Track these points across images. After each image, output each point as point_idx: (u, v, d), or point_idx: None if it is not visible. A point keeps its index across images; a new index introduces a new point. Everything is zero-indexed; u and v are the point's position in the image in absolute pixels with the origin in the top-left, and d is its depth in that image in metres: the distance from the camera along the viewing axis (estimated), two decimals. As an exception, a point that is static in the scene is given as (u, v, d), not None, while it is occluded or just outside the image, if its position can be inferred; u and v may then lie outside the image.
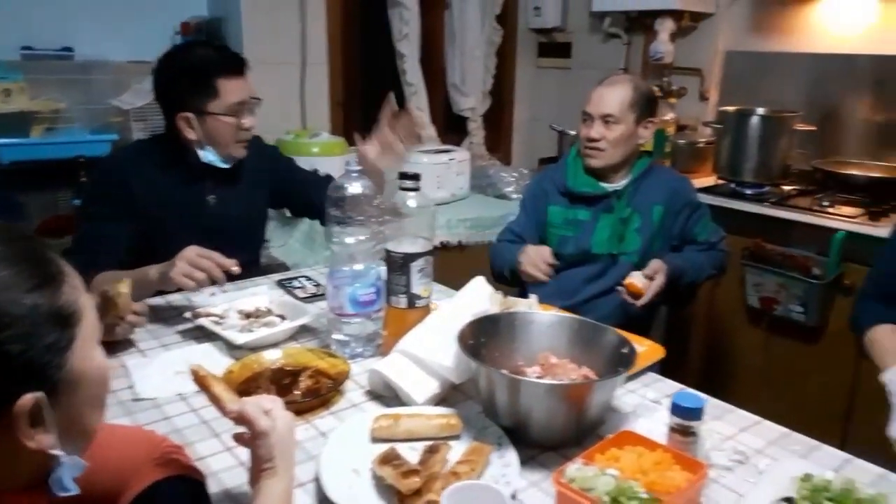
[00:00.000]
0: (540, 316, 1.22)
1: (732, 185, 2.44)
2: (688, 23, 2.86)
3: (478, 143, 3.34)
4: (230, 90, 1.58)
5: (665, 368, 2.09)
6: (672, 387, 1.28)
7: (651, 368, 1.34)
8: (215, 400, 0.85)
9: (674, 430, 0.98)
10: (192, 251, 1.37)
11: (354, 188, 1.25)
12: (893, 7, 2.36)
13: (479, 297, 1.24)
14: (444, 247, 2.66)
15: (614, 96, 1.82)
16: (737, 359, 2.38)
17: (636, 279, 1.68)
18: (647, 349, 1.39)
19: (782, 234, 2.20)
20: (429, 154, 2.84)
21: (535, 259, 1.80)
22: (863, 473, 1.02)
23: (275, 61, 2.70)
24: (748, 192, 2.39)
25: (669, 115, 2.79)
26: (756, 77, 2.71)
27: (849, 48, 2.47)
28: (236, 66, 1.60)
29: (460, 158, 2.88)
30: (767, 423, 1.16)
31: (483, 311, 1.21)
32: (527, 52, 3.52)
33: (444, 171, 2.82)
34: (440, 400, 1.16)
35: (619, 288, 1.71)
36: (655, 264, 1.70)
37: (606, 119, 1.81)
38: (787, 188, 2.42)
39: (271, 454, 0.80)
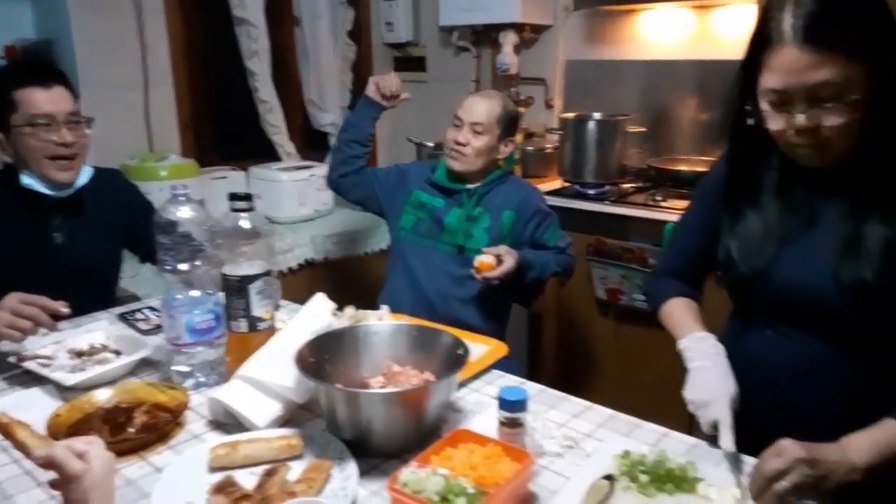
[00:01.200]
0: (380, 326, 1.25)
1: (576, 187, 2.59)
2: (530, 35, 3.01)
3: (340, 158, 3.34)
4: (30, 101, 1.50)
5: (530, 365, 2.19)
6: (513, 382, 1.34)
7: (506, 367, 1.40)
8: (21, 447, 0.80)
9: (502, 423, 1.03)
10: (13, 299, 1.28)
11: (183, 212, 1.22)
12: (708, 17, 2.59)
13: (321, 313, 1.24)
14: (311, 264, 2.64)
15: (486, 107, 1.93)
16: (592, 349, 2.52)
17: (485, 257, 1.76)
18: (492, 348, 1.46)
19: (622, 229, 2.36)
20: (288, 171, 2.81)
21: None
22: (677, 444, 1.12)
23: (114, 83, 2.57)
24: (591, 192, 2.55)
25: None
26: (595, 84, 2.90)
27: (673, 55, 2.69)
28: (38, 76, 1.53)
29: (321, 174, 2.86)
30: (597, 407, 1.24)
31: (325, 327, 1.21)
32: (383, 66, 3.56)
33: (306, 188, 2.80)
34: (285, 421, 1.15)
35: (472, 270, 1.78)
36: (503, 247, 1.79)
37: (475, 127, 1.91)
38: (625, 186, 2.60)
39: (86, 498, 0.77)
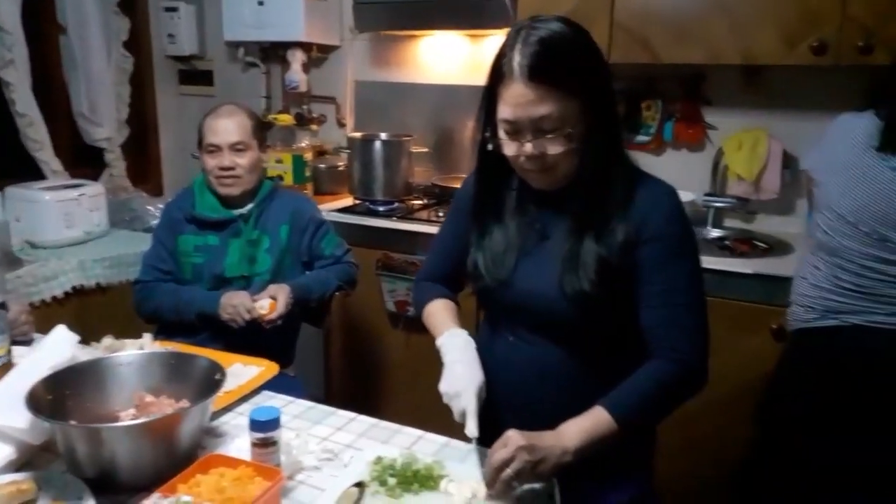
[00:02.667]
0: (131, 357, 1.20)
1: (367, 204, 2.66)
2: (318, 54, 3.04)
3: (119, 175, 3.12)
4: None
5: (328, 382, 2.18)
6: (284, 402, 1.35)
7: (288, 386, 1.40)
8: None
9: (254, 444, 1.04)
10: None
11: None
12: (481, 45, 2.79)
13: (61, 347, 1.17)
14: (80, 291, 2.43)
15: (238, 125, 1.88)
16: (385, 360, 2.60)
17: (263, 302, 1.74)
18: (263, 369, 1.45)
19: (409, 243, 2.46)
20: (53, 190, 2.57)
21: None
22: (430, 445, 1.20)
23: None
24: (380, 209, 2.63)
25: (306, 142, 2.93)
26: (384, 104, 3.00)
27: (452, 80, 2.86)
28: None
29: (93, 193, 2.65)
30: (361, 417, 1.29)
31: (66, 362, 1.14)
32: (167, 79, 3.40)
33: (74, 208, 2.57)
34: (21, 465, 1.06)
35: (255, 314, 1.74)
36: (272, 287, 1.78)
37: (236, 147, 1.86)
38: (413, 203, 2.72)
39: None
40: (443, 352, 1.22)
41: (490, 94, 1.13)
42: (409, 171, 2.70)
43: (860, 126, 1.56)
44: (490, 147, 1.16)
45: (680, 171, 2.50)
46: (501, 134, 1.13)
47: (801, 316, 1.66)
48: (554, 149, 1.09)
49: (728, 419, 1.99)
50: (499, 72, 1.10)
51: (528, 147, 1.10)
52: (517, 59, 1.06)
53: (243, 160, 1.87)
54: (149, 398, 1.14)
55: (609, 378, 1.13)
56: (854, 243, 1.54)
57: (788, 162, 2.28)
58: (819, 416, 1.62)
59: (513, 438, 1.01)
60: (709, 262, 2.03)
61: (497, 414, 1.19)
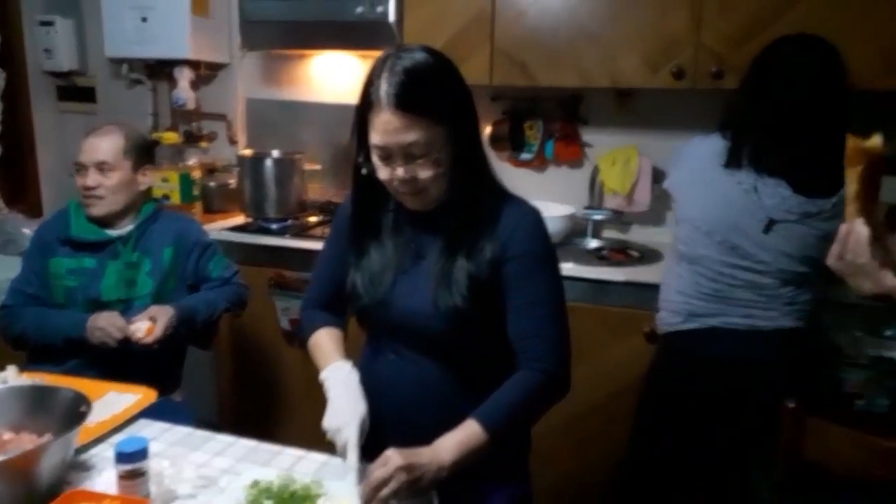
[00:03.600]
0: (-14, 392, 1.12)
1: (259, 222, 2.61)
2: (206, 72, 2.97)
3: (-9, 197, 2.92)
4: None
5: (221, 405, 2.10)
6: (161, 430, 1.30)
7: (172, 411, 1.35)
8: None
9: (121, 476, 1.00)
10: None
11: None
12: (370, 65, 2.81)
13: None
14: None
15: (107, 144, 1.81)
16: (282, 379, 2.55)
17: (140, 324, 1.67)
18: (140, 397, 1.40)
19: (303, 261, 2.43)
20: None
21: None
22: (310, 465, 1.20)
23: None
24: (273, 226, 2.59)
25: (193, 160, 2.85)
26: (276, 122, 2.96)
27: (343, 98, 2.86)
28: None
29: (-41, 217, 2.46)
30: (242, 441, 1.27)
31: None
32: (44, 95, 3.21)
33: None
34: None
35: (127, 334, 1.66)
36: (153, 308, 1.72)
37: (101, 167, 1.79)
38: (307, 220, 2.69)
39: None
40: (326, 387, 1.22)
41: (361, 119, 1.15)
42: (303, 189, 2.67)
43: (708, 146, 1.69)
44: (364, 171, 1.18)
45: (561, 187, 2.62)
46: (374, 159, 1.16)
47: (668, 320, 1.77)
48: (424, 173, 1.13)
49: (610, 420, 2.10)
50: (367, 100, 1.12)
51: (400, 171, 1.13)
52: (384, 88, 1.09)
53: (108, 180, 1.79)
54: (7, 435, 1.08)
55: (486, 391, 1.16)
56: (710, 252, 1.66)
57: (658, 177, 2.43)
58: (685, 414, 1.73)
59: (392, 458, 1.02)
60: (587, 271, 2.14)
61: (383, 432, 1.19)
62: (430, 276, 1.20)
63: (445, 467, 1.06)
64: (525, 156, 2.62)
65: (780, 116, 1.59)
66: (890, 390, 1.77)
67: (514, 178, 2.67)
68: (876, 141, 0.88)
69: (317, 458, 1.22)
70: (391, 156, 1.13)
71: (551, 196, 2.58)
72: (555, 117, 2.58)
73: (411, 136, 1.09)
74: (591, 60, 2.21)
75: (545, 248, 1.21)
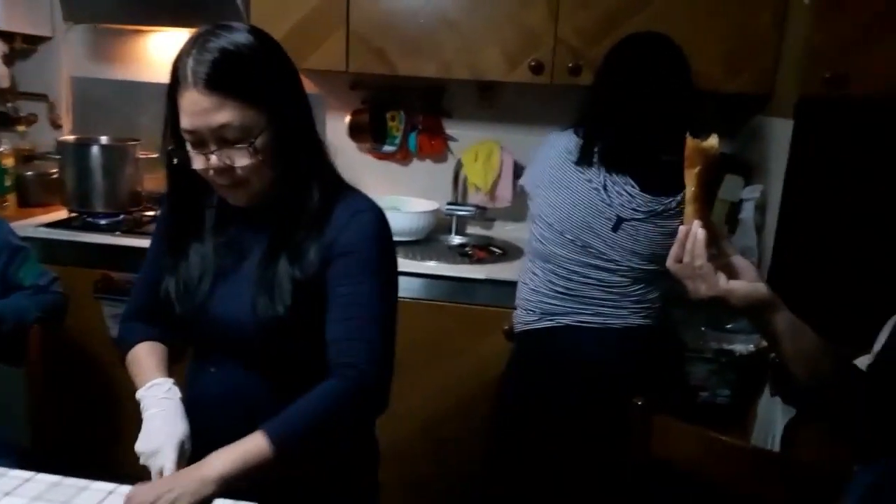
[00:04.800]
0: None
1: (85, 217, 2.37)
2: (23, 45, 2.65)
3: None
4: None
5: (35, 429, 1.88)
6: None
7: None
8: None
9: None
10: None
11: None
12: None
13: None
14: None
15: None
16: (111, 393, 2.32)
17: None
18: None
19: (136, 260, 2.20)
20: None
21: None
22: (120, 499, 1.07)
23: None
24: (102, 222, 2.36)
25: (5, 147, 2.53)
26: (109, 104, 2.70)
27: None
28: None
29: None
30: (40, 476, 1.12)
31: None
32: None
33: None
34: None
35: None
36: None
37: None
38: (143, 214, 2.48)
39: None
40: (142, 406, 1.12)
41: (171, 102, 1.06)
42: (137, 179, 2.46)
43: (562, 143, 1.72)
44: (176, 161, 1.08)
45: (425, 181, 2.60)
46: (188, 146, 1.06)
47: (523, 318, 1.79)
48: (241, 161, 1.04)
49: (471, 419, 2.09)
50: (175, 79, 1.04)
51: (214, 159, 1.04)
52: (191, 66, 1.01)
53: None
54: None
55: None
56: (563, 250, 1.69)
57: (519, 173, 2.46)
58: (541, 411, 1.75)
59: (133, 495, 0.99)
60: (448, 269, 2.13)
61: (203, 449, 1.09)
62: (251, 279, 1.11)
63: (211, 481, 0.98)
64: (388, 148, 2.56)
65: (628, 115, 1.64)
66: (731, 382, 1.89)
67: (376, 171, 2.62)
68: (713, 142, 0.91)
69: (126, 490, 1.09)
70: (203, 141, 1.04)
71: (416, 191, 2.55)
72: (418, 109, 2.54)
73: (222, 118, 1.01)
74: (451, 51, 2.19)
75: (378, 248, 1.13)
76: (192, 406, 1.14)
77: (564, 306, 1.69)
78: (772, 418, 1.79)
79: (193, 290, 1.14)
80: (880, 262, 1.81)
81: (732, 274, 0.87)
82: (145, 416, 1.10)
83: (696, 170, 0.90)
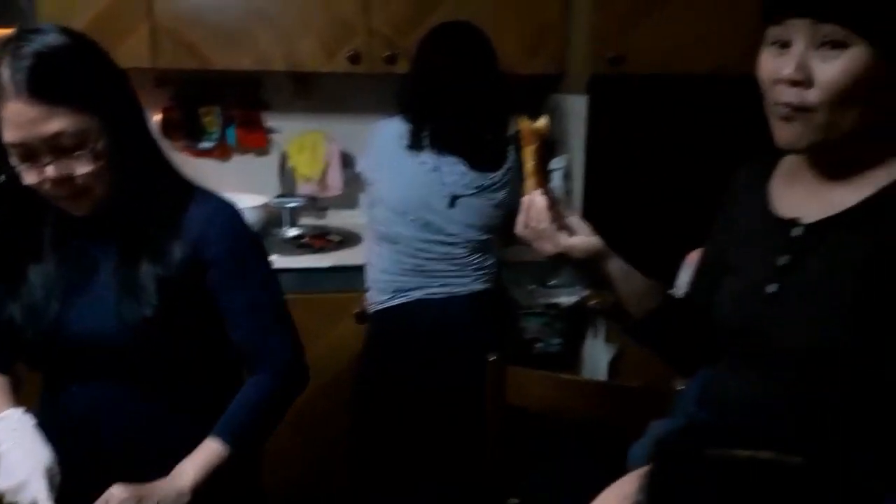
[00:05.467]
0: None
1: None
2: None
3: None
4: None
5: None
6: None
7: None
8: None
9: None
10: None
11: None
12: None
13: None
14: None
15: None
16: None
17: None
18: None
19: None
20: None
21: None
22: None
23: None
24: None
25: None
26: None
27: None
28: None
29: None
30: None
31: None
32: None
33: None
34: None
35: None
36: None
37: None
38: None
39: None
40: None
41: None
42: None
43: (392, 130, 1.84)
44: (3, 179, 1.02)
45: (249, 176, 2.57)
46: (15, 161, 1.00)
47: (376, 298, 1.89)
48: (83, 168, 1.00)
49: (332, 407, 2.15)
50: None
51: (51, 170, 0.99)
52: (8, 75, 0.95)
53: None
54: None
55: (202, 403, 1.14)
56: (407, 230, 1.81)
57: (347, 161, 2.54)
58: (398, 386, 1.87)
59: (115, 494, 0.96)
60: (290, 261, 2.15)
61: (94, 477, 1.06)
62: (110, 288, 1.09)
63: (186, 492, 1.03)
64: (205, 144, 2.50)
65: (449, 100, 1.79)
66: (560, 331, 2.15)
67: (194, 169, 2.49)
68: (544, 122, 1.06)
69: None
70: (35, 153, 0.98)
71: (240, 186, 2.51)
72: (233, 102, 2.50)
73: (54, 126, 0.97)
74: (266, 42, 2.19)
75: (246, 243, 1.18)
76: (54, 430, 1.09)
77: (413, 282, 1.82)
78: (598, 357, 2.07)
79: (42, 312, 1.09)
80: (672, 213, 2.15)
81: (570, 232, 1.02)
82: (0, 451, 1.04)
83: (533, 147, 1.05)
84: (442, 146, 1.79)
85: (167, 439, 1.12)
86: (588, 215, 2.13)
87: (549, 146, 2.42)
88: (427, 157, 1.79)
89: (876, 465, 0.76)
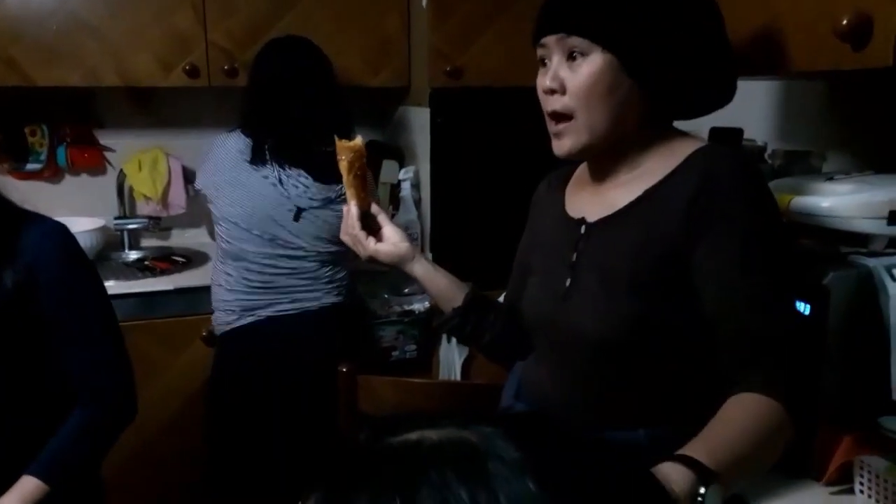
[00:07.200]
0: None
1: None
2: None
3: None
4: None
5: None
6: None
7: None
8: None
9: None
10: None
11: None
12: None
13: None
14: None
15: None
16: None
17: None
18: None
19: None
20: None
21: None
22: None
23: None
24: None
25: None
26: None
27: None
28: None
29: None
30: None
31: None
32: None
33: None
34: None
35: None
36: None
37: None
38: None
39: None
40: None
41: None
42: None
43: (232, 144, 1.85)
44: None
45: (84, 197, 2.47)
46: None
47: (223, 319, 1.89)
48: None
49: (184, 433, 2.11)
50: None
51: None
52: None
53: None
54: None
55: (27, 440, 1.11)
56: (252, 246, 1.83)
57: (190, 177, 2.50)
58: (253, 409, 1.87)
59: None
60: (133, 285, 2.10)
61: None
62: None
63: None
64: (32, 166, 2.38)
65: (286, 112, 1.83)
66: (415, 337, 2.24)
67: (22, 193, 2.36)
68: (357, 141, 1.18)
69: None
70: None
71: (74, 209, 2.41)
72: (63, 120, 2.40)
73: None
74: (95, 57, 2.13)
75: (80, 269, 1.18)
76: None
77: (262, 299, 1.84)
78: (451, 359, 2.18)
79: None
80: (509, 215, 2.29)
81: (382, 239, 1.17)
82: None
83: (344, 164, 1.16)
84: (284, 159, 1.83)
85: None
86: (436, 221, 2.30)
87: (399, 157, 2.52)
88: (270, 171, 1.82)
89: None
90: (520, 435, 0.39)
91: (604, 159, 1.00)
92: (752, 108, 1.82)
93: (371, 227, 1.17)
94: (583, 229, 1.01)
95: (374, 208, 1.19)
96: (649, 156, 0.98)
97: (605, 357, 0.96)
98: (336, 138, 1.17)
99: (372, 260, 1.16)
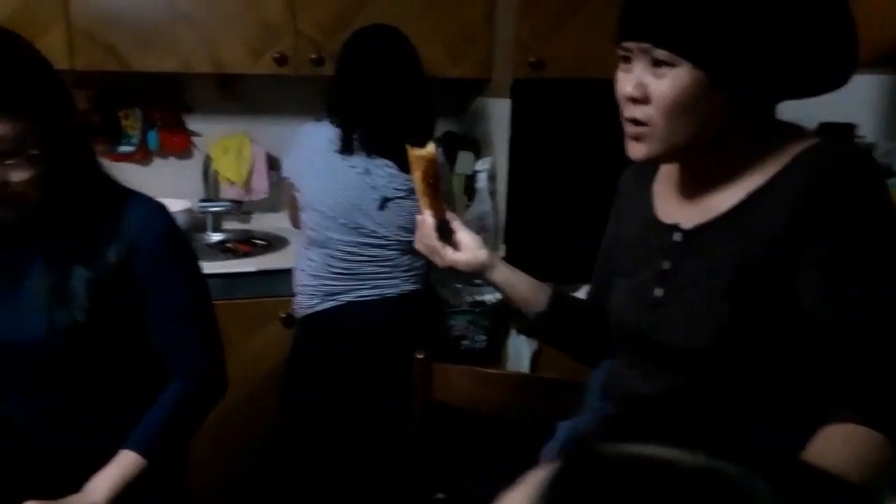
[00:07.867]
0: None
1: None
2: None
3: None
4: None
5: None
6: None
7: None
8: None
9: None
10: None
11: None
12: None
13: None
14: None
15: None
16: None
17: None
18: None
19: None
20: None
21: None
22: None
23: None
24: None
25: None
26: None
27: None
28: None
29: None
30: None
31: None
32: None
33: None
34: None
35: None
36: None
37: None
38: None
39: None
40: None
41: None
42: None
43: (322, 134, 1.90)
44: None
45: (171, 180, 2.58)
46: None
47: (304, 303, 1.95)
48: (19, 175, 1.01)
49: (257, 411, 2.19)
50: None
51: None
52: None
53: None
54: None
55: (131, 412, 1.16)
56: (337, 234, 1.88)
57: (273, 164, 2.58)
58: (328, 390, 1.93)
59: None
60: (215, 266, 2.18)
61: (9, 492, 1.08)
62: (39, 295, 1.09)
63: None
64: (125, 148, 2.50)
65: (374, 102, 1.86)
66: (485, 328, 2.25)
67: (115, 174, 2.50)
68: (430, 149, 1.15)
69: None
70: None
71: (162, 191, 2.44)
72: (154, 105, 2.50)
73: None
74: (189, 44, 2.22)
75: (179, 247, 1.22)
76: None
77: (344, 285, 1.89)
78: (520, 352, 2.18)
79: None
80: (591, 210, 2.27)
81: (458, 246, 1.15)
82: None
83: (417, 174, 1.14)
84: (372, 149, 1.86)
85: (90, 446, 1.13)
86: (512, 214, 2.31)
87: (474, 148, 2.54)
88: (357, 161, 1.86)
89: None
90: (779, 480, 0.35)
91: (696, 158, 0.95)
92: (860, 103, 1.74)
93: (446, 234, 1.16)
94: (676, 236, 0.98)
95: (449, 214, 1.17)
96: (751, 154, 0.93)
97: (700, 367, 0.94)
98: (408, 147, 1.15)
99: (449, 269, 1.15)
